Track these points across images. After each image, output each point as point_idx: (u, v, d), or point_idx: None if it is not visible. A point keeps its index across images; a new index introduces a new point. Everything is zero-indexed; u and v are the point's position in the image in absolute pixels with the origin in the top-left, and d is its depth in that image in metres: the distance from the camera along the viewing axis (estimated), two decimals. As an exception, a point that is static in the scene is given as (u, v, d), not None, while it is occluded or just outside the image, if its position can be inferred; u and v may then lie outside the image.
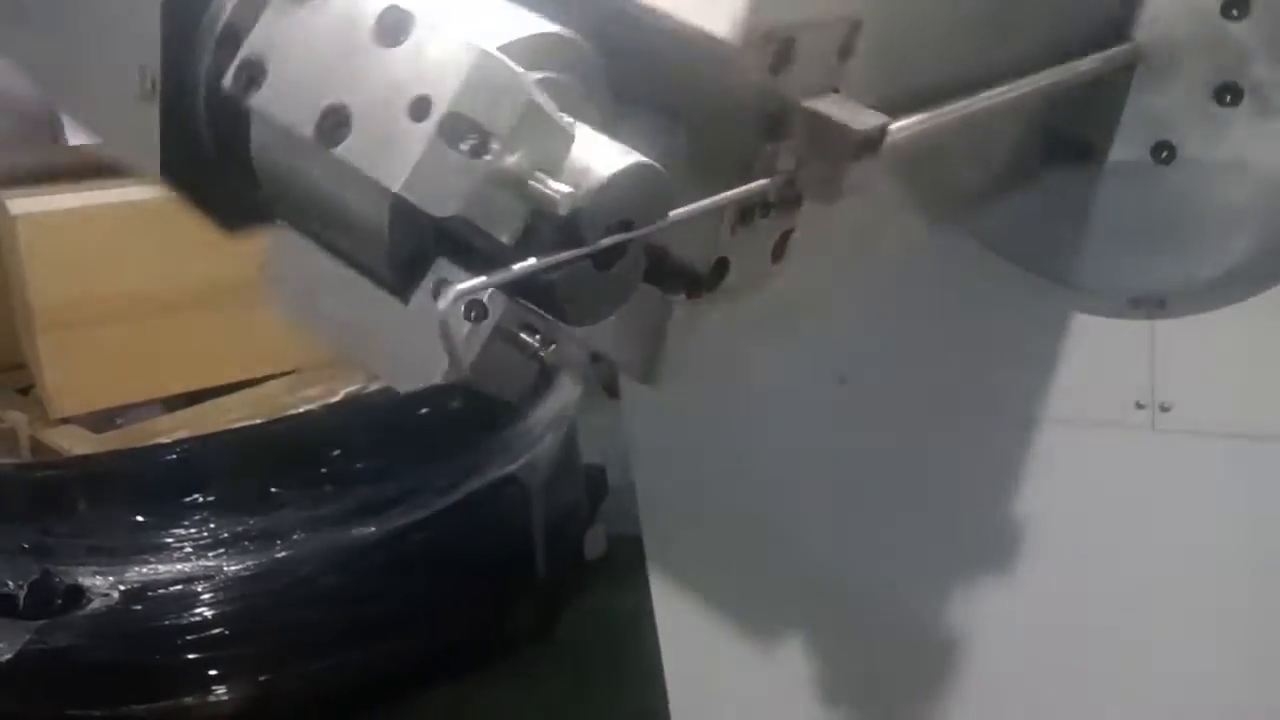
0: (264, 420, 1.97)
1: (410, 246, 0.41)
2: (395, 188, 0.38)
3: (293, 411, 2.00)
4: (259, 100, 0.41)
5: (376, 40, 0.39)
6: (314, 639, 1.87)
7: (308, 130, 0.39)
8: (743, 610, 1.10)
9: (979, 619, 0.95)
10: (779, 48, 0.44)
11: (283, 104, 0.41)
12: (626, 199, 0.39)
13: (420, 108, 0.37)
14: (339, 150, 0.39)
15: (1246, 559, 0.82)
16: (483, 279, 0.38)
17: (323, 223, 0.44)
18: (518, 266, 0.38)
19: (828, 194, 0.47)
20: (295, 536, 1.83)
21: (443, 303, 0.39)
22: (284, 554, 1.83)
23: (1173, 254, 0.78)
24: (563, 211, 0.37)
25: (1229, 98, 0.73)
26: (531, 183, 0.37)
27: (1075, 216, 0.81)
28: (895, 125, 0.48)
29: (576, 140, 0.38)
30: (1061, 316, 0.84)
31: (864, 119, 0.46)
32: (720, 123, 0.45)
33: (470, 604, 2.04)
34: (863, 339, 0.97)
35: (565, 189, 0.37)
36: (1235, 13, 0.72)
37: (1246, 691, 0.84)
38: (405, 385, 0.45)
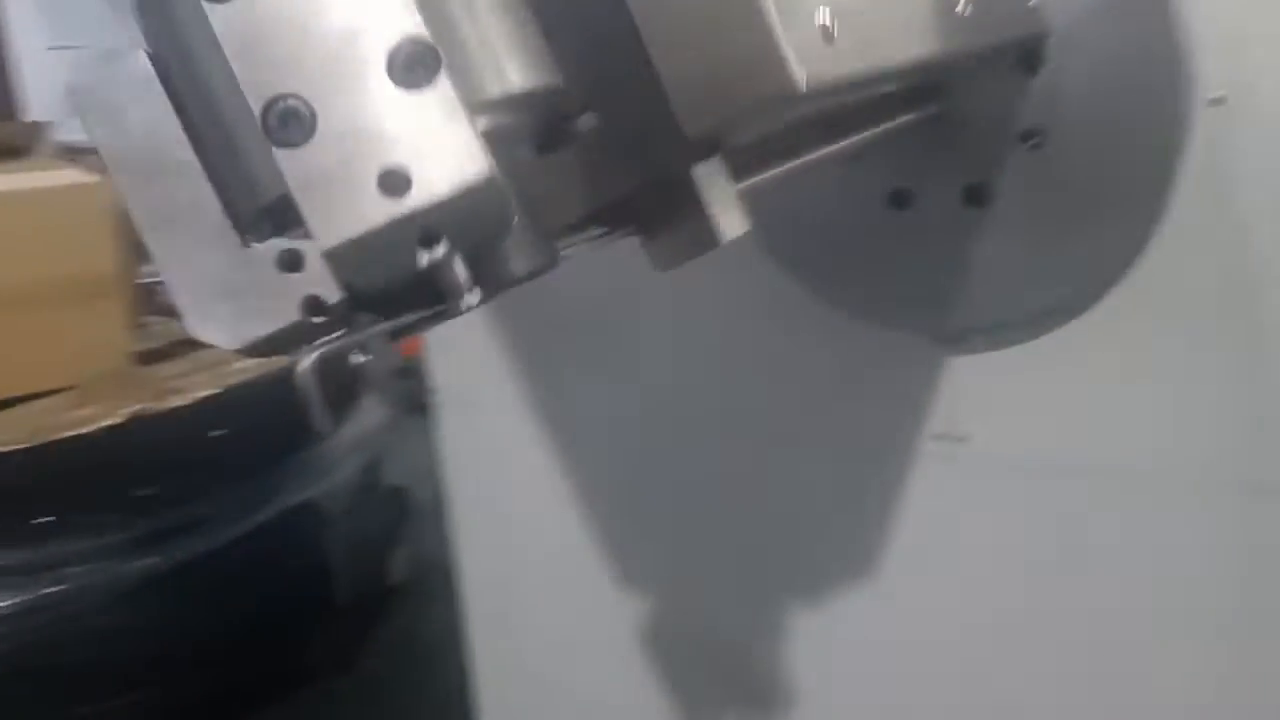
0: (32, 443, 1.82)
1: (278, 214, 0.37)
2: (324, 246, 0.34)
3: (67, 434, 1.85)
4: (219, 10, 0.34)
5: (385, 64, 0.34)
6: (93, 679, 1.74)
7: (254, 102, 0.34)
8: (556, 635, 1.09)
9: (789, 647, 0.97)
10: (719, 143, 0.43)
11: (239, 39, 0.34)
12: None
13: (394, 180, 0.33)
14: (279, 153, 0.34)
15: (1039, 586, 0.86)
16: (346, 339, 0.37)
17: (198, 109, 0.37)
18: (386, 327, 0.37)
19: (664, 266, 0.47)
20: (69, 569, 1.70)
21: (303, 364, 0.37)
22: (56, 589, 1.69)
23: (973, 292, 0.82)
24: (464, 309, 0.36)
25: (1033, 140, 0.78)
26: (451, 273, 0.36)
27: (880, 252, 0.84)
28: (741, 185, 0.48)
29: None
30: (864, 349, 0.87)
31: (732, 223, 0.45)
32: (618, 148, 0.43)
33: (266, 636, 1.95)
34: (671, 364, 0.98)
35: (476, 298, 0.36)
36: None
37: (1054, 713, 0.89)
38: (198, 333, 0.40)
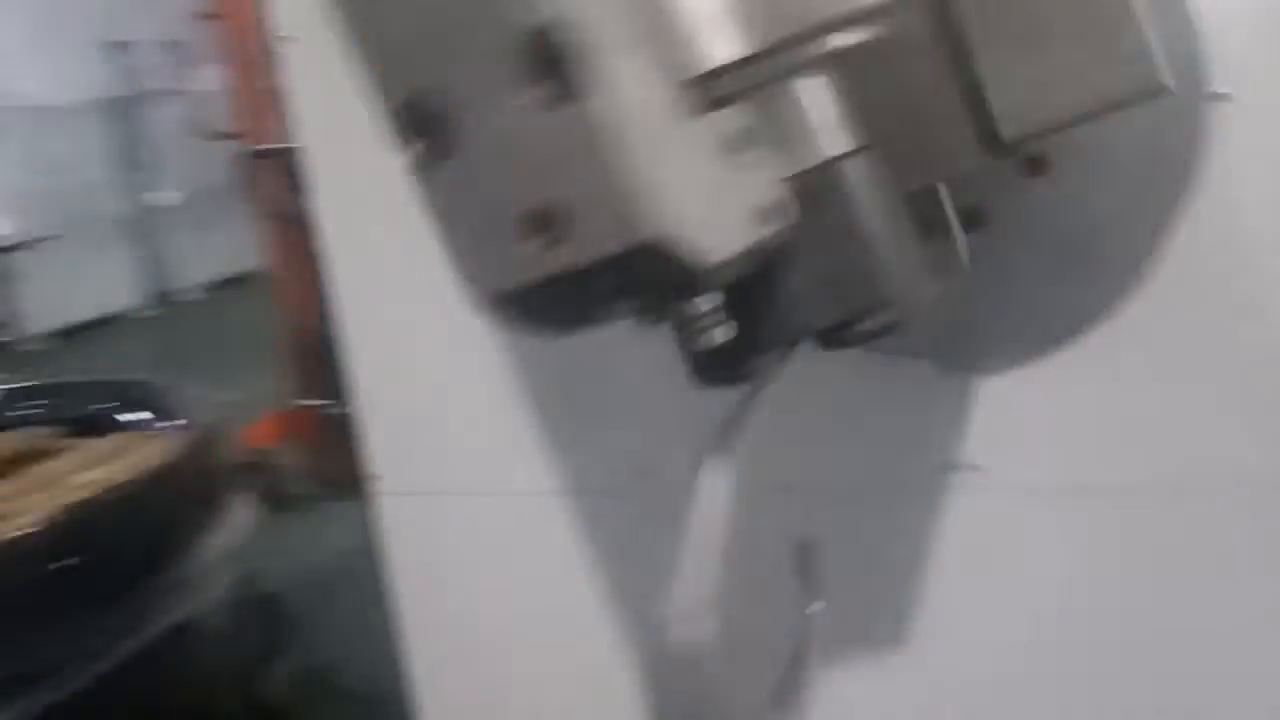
0: None
1: None
2: None
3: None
4: None
5: None
6: None
7: None
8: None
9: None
10: None
11: None
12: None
13: None
14: None
15: (1075, 614, 0.84)
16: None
17: None
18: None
19: None
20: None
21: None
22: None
23: (982, 317, 0.79)
24: None
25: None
26: None
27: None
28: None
29: None
30: (875, 382, 0.83)
31: None
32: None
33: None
34: (641, 422, 0.93)
35: None
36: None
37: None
38: None
